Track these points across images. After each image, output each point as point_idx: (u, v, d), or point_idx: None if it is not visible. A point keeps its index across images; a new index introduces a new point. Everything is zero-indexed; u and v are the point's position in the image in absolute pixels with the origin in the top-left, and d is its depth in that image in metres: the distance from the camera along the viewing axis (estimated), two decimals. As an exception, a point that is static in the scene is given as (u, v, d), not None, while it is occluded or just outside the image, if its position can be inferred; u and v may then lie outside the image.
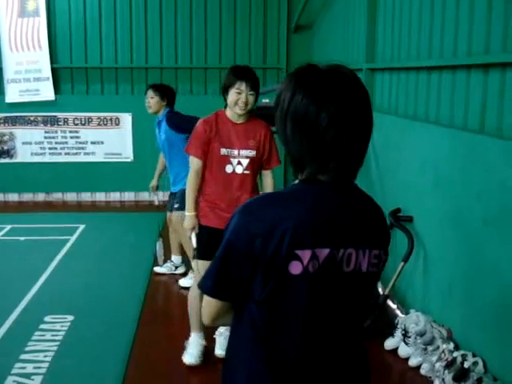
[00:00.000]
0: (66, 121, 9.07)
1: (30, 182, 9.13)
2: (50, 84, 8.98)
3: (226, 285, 1.48)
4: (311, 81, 1.43)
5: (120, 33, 9.08)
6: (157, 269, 5.74)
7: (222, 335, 4.03)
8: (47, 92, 9.00)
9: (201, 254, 3.72)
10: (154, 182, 5.90)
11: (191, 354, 3.92)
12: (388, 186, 5.05)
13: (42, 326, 4.44)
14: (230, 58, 9.19)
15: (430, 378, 3.67)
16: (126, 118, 9.08)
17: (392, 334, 4.10)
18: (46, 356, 3.98)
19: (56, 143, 9.12)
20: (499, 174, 3.29)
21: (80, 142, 9.14)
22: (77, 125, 9.10)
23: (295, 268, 1.40)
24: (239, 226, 1.44)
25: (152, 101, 5.44)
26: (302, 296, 1.43)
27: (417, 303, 4.40)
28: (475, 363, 3.42)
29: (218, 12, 9.12)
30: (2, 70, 8.96)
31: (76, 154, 9.16)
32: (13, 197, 9.25)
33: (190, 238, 3.85)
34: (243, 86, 3.56)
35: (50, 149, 9.13)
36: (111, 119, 9.10)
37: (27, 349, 4.08)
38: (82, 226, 7.39)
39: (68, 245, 6.61)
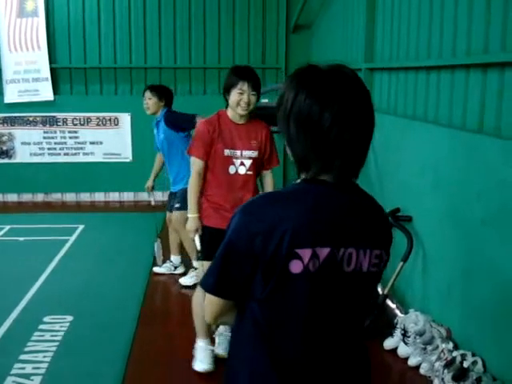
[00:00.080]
0: (64, 121, 9.07)
1: (29, 183, 9.13)
2: (48, 84, 8.97)
3: (227, 283, 1.49)
4: (314, 81, 1.43)
5: (119, 33, 9.07)
6: (156, 269, 5.74)
7: (221, 335, 4.03)
8: (46, 92, 8.99)
9: (205, 255, 3.68)
10: (149, 183, 5.89)
11: (202, 361, 3.84)
12: (387, 186, 5.05)
13: (42, 327, 4.44)
14: (229, 58, 9.19)
15: (430, 377, 3.67)
16: (125, 118, 9.08)
17: (391, 334, 4.10)
18: (45, 356, 3.98)
19: (55, 143, 9.12)
20: (498, 174, 3.29)
21: (79, 143, 9.14)
22: (76, 125, 9.09)
23: (296, 267, 1.40)
24: (240, 225, 1.45)
25: (150, 102, 5.44)
26: (303, 295, 1.43)
27: (416, 303, 4.40)
28: (474, 362, 3.42)
29: (216, 12, 9.12)
30: (1, 70, 8.95)
31: (75, 154, 9.16)
32: (12, 197, 9.25)
33: (194, 240, 3.82)
34: (245, 87, 3.55)
35: (48, 149, 9.13)
36: (110, 119, 9.09)
37: (26, 349, 4.08)
38: (81, 227, 7.39)
39: (67, 245, 6.61)
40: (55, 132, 9.08)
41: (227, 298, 1.52)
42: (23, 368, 3.83)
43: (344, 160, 1.44)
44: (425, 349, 3.83)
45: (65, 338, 4.26)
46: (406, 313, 4.24)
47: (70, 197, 9.30)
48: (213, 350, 3.93)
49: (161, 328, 4.57)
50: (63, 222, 7.65)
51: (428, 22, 4.49)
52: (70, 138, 9.12)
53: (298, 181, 1.51)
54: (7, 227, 7.39)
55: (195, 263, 5.46)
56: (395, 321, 4.16)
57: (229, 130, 3.67)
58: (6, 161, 9.09)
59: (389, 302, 4.35)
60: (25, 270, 5.77)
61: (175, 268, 5.70)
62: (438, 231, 4.10)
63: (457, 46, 4.02)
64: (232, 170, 3.68)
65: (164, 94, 5.50)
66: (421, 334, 3.87)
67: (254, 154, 3.71)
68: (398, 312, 4.31)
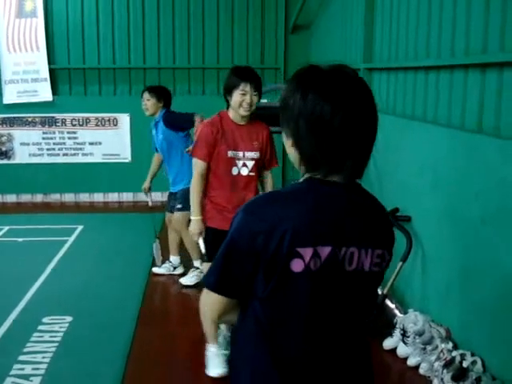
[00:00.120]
0: (63, 122, 9.06)
1: (28, 183, 9.13)
2: (47, 85, 8.97)
3: (229, 281, 1.50)
4: (322, 81, 1.44)
5: (118, 33, 9.07)
6: (155, 269, 5.74)
7: (219, 335, 4.01)
8: (45, 93, 8.99)
9: (210, 256, 3.65)
10: (146, 184, 5.87)
11: (215, 366, 3.75)
12: (386, 186, 5.05)
13: (41, 327, 4.43)
14: (228, 59, 9.20)
15: (429, 377, 3.67)
16: (124, 119, 9.07)
17: (391, 334, 4.09)
18: (44, 357, 3.98)
19: (54, 144, 9.12)
20: (497, 173, 3.29)
21: (78, 143, 9.13)
22: (75, 125, 9.09)
23: (297, 266, 1.41)
24: (242, 224, 1.46)
25: (148, 103, 5.44)
26: (304, 294, 1.44)
27: (415, 303, 4.40)
28: (474, 362, 3.42)
29: (215, 12, 9.12)
30: (0, 71, 8.95)
31: (74, 154, 9.16)
32: (11, 198, 9.24)
33: (198, 242, 3.78)
34: (247, 87, 3.54)
35: (47, 150, 9.13)
36: (109, 120, 9.09)
37: (26, 350, 4.07)
38: (80, 227, 7.39)
39: (66, 246, 6.61)
40: (54, 133, 9.08)
41: (229, 297, 1.53)
42: (22, 369, 3.82)
43: (353, 160, 1.46)
44: (424, 349, 3.83)
45: (64, 339, 4.25)
46: (405, 313, 4.24)
47: (69, 197, 9.29)
48: (225, 354, 3.83)
49: (160, 328, 4.56)
50: (62, 223, 7.65)
51: (427, 22, 4.49)
52: (69, 138, 9.12)
53: (301, 180, 1.52)
54: (6, 228, 7.39)
55: (196, 263, 5.47)
56: (394, 321, 4.16)
57: (231, 131, 3.66)
58: (4, 161, 9.09)
59: (388, 302, 4.35)
60: (24, 270, 5.76)
61: (174, 268, 5.70)
62: (437, 231, 4.10)
63: (455, 46, 4.03)
64: (234, 171, 3.67)
65: (163, 94, 5.51)
66: (420, 333, 3.87)
67: (256, 155, 3.71)
68: (397, 312, 4.31)
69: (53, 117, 9.03)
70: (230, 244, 1.48)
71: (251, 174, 3.71)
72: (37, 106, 8.99)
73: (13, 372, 3.78)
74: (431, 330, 3.89)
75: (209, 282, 1.54)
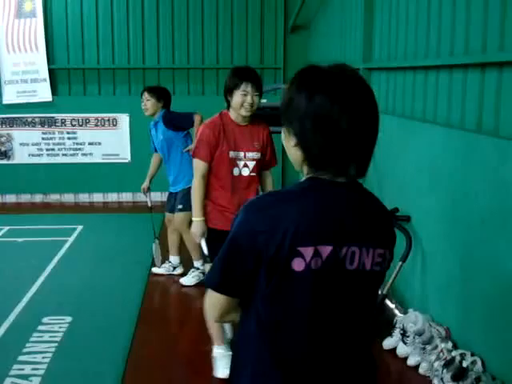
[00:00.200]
0: (63, 122, 9.06)
1: (27, 184, 9.13)
2: (47, 85, 8.98)
3: (231, 280, 1.50)
4: (327, 82, 1.44)
5: (117, 33, 9.08)
6: (155, 269, 5.74)
7: (225, 336, 4.00)
8: (44, 93, 9.00)
9: (213, 257, 3.61)
10: (145, 184, 5.86)
11: (223, 367, 3.69)
12: (385, 186, 5.05)
13: (40, 328, 4.43)
14: (227, 59, 9.20)
15: (429, 377, 3.67)
16: (124, 119, 9.08)
17: (390, 334, 4.10)
18: (44, 357, 3.97)
19: (53, 144, 9.12)
20: (496, 173, 3.29)
21: (77, 143, 9.14)
22: (74, 126, 9.10)
23: (298, 265, 1.41)
24: (243, 223, 1.47)
25: (148, 103, 5.44)
26: (306, 293, 1.44)
27: (415, 303, 4.40)
28: (474, 362, 3.42)
29: (214, 12, 9.12)
30: (-1, 71, 8.96)
31: (73, 154, 9.16)
32: (10, 198, 9.24)
33: (200, 244, 3.74)
34: (249, 88, 3.53)
35: (47, 150, 9.13)
36: (108, 120, 9.09)
37: (25, 350, 4.07)
38: (79, 227, 7.39)
39: (66, 246, 6.61)
40: (54, 133, 9.09)
41: (231, 296, 1.53)
42: (22, 369, 3.82)
43: (357, 159, 1.47)
44: (424, 348, 3.83)
45: (64, 339, 4.25)
46: (405, 313, 4.24)
47: (68, 197, 9.30)
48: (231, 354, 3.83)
49: (160, 328, 4.56)
50: (62, 223, 7.65)
51: (426, 22, 4.49)
52: (69, 138, 9.13)
53: (303, 179, 1.52)
54: (6, 228, 7.39)
55: (196, 263, 5.47)
56: (394, 321, 4.16)
57: (232, 132, 3.65)
58: (4, 162, 9.09)
59: (388, 302, 4.35)
60: (23, 270, 5.76)
61: (174, 268, 5.70)
62: (436, 231, 4.10)
63: (455, 45, 4.02)
64: (236, 171, 3.66)
65: (162, 95, 5.51)
66: (420, 333, 3.87)
67: (257, 155, 3.70)
68: (397, 312, 4.31)
69: (52, 117, 9.04)
70: (231, 243, 1.49)
71: (252, 174, 3.70)
72: (36, 107, 9.00)
73: (12, 372, 3.77)
74: (431, 329, 3.89)
75: (211, 281, 1.55)
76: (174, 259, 5.72)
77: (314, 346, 1.49)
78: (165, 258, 5.76)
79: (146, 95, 5.45)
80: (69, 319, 4.59)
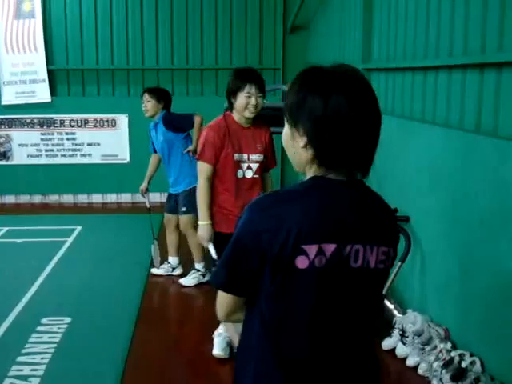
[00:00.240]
0: (62, 122, 9.06)
1: (26, 184, 9.13)
2: (46, 86, 8.97)
3: (237, 279, 1.51)
4: (339, 82, 1.45)
5: (116, 34, 9.07)
6: (154, 270, 5.73)
7: (220, 336, 4.01)
8: (43, 94, 8.99)
9: None
10: (144, 185, 5.86)
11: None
12: (385, 186, 5.05)
13: (39, 328, 4.43)
14: (227, 59, 9.20)
15: (428, 377, 3.67)
16: (123, 120, 9.07)
17: (389, 334, 4.10)
18: (43, 358, 3.97)
19: (52, 145, 9.12)
20: (495, 174, 3.29)
21: (76, 144, 9.13)
22: (73, 126, 9.09)
23: (302, 262, 1.42)
24: (247, 222, 1.48)
25: (149, 104, 5.43)
26: (310, 291, 1.45)
27: (414, 303, 4.40)
28: (473, 362, 3.42)
29: (214, 13, 9.12)
30: (-2, 71, 8.96)
31: (72, 155, 9.16)
32: (9, 199, 9.24)
33: (208, 248, 3.70)
34: (252, 89, 3.52)
35: (46, 151, 9.13)
36: (107, 121, 9.09)
37: (24, 351, 4.06)
38: (78, 228, 7.39)
39: (65, 247, 6.60)
40: (52, 133, 9.08)
41: (237, 295, 1.54)
42: (21, 370, 3.81)
43: (367, 158, 1.50)
44: (423, 349, 3.83)
45: (63, 340, 4.25)
46: (404, 313, 4.24)
47: (67, 198, 9.29)
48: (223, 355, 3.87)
49: (159, 328, 4.56)
50: (61, 224, 7.65)
51: (425, 23, 4.49)
52: (68, 139, 9.12)
53: (306, 178, 1.53)
54: (5, 229, 7.38)
55: (197, 265, 5.47)
56: (393, 321, 4.16)
57: (236, 134, 3.63)
58: (3, 162, 9.08)
59: (387, 303, 4.35)
60: (23, 271, 5.76)
61: (173, 269, 5.70)
62: (435, 231, 4.10)
63: (454, 46, 4.03)
64: (239, 174, 3.65)
65: (162, 96, 5.50)
66: (419, 334, 3.87)
67: (260, 157, 3.70)
68: (396, 312, 4.31)
69: (51, 118, 9.03)
70: (236, 243, 1.50)
71: (255, 176, 3.69)
72: (35, 107, 8.99)
73: (11, 373, 3.77)
74: (430, 330, 3.89)
75: (217, 280, 1.56)
76: (173, 260, 5.71)
77: (317, 346, 1.49)
78: (164, 259, 5.75)
79: (146, 96, 5.45)
80: (68, 320, 4.59)
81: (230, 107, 3.65)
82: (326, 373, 1.51)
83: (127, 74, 9.22)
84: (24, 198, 9.25)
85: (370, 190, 1.57)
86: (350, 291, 1.49)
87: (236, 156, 3.62)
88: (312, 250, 1.42)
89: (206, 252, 3.78)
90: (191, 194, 5.05)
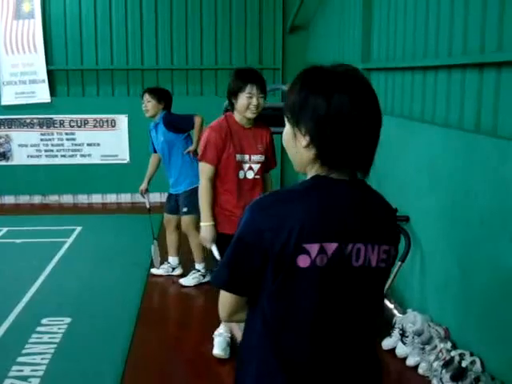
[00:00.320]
0: (61, 123, 9.06)
1: (26, 185, 9.13)
2: (45, 86, 8.97)
3: (239, 278, 1.51)
4: (342, 82, 1.46)
5: (115, 34, 9.07)
6: (154, 270, 5.73)
7: (220, 336, 4.01)
8: (43, 94, 8.99)
9: None
10: (144, 185, 5.85)
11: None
12: (384, 186, 5.04)
13: (39, 329, 4.42)
14: (226, 59, 9.20)
15: (428, 377, 3.67)
16: (122, 120, 9.07)
17: (390, 334, 4.10)
18: (43, 359, 3.97)
19: (52, 145, 9.12)
20: (495, 173, 3.29)
21: (76, 144, 9.13)
22: (73, 127, 9.09)
23: (303, 261, 1.42)
24: (249, 222, 1.48)
25: (149, 104, 5.43)
26: (311, 290, 1.45)
27: (414, 303, 4.40)
28: (473, 362, 3.42)
29: (213, 13, 9.12)
30: (-2, 72, 8.96)
31: (72, 156, 9.16)
32: (9, 199, 9.24)
33: (211, 249, 3.67)
34: (254, 90, 3.51)
35: (46, 151, 9.13)
36: (107, 121, 9.09)
37: (24, 351, 4.06)
38: (78, 228, 7.38)
39: (65, 247, 6.60)
40: (52, 134, 9.08)
41: (240, 294, 1.54)
42: (21, 370, 3.81)
43: (369, 158, 1.51)
44: (423, 349, 3.83)
45: (63, 340, 4.25)
46: (404, 313, 4.24)
47: (67, 198, 9.29)
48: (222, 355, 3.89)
49: (159, 329, 4.56)
50: (60, 224, 7.65)
51: (424, 22, 4.49)
52: (67, 139, 9.12)
53: (308, 178, 1.53)
54: (4, 229, 7.38)
55: (198, 266, 5.47)
56: (393, 321, 4.16)
57: (237, 135, 3.63)
58: (3, 163, 9.08)
59: (387, 302, 4.35)
60: (22, 272, 5.76)
61: (173, 269, 5.70)
62: (435, 231, 4.10)
63: (453, 45, 4.03)
64: (241, 174, 3.64)
65: (163, 96, 5.49)
66: (419, 333, 3.88)
67: (262, 158, 3.70)
68: (396, 312, 4.31)
69: (51, 118, 9.03)
70: (238, 242, 1.50)
71: (257, 177, 3.69)
72: (35, 108, 8.99)
73: (11, 373, 3.77)
74: (430, 329, 3.89)
75: (219, 280, 1.56)
76: (173, 260, 5.71)
77: (318, 346, 1.49)
78: (164, 259, 5.75)
79: (146, 96, 5.44)
80: (68, 320, 4.59)
81: (232, 108, 3.64)
82: (328, 373, 1.51)
83: (127, 74, 9.22)
84: (24, 199, 9.25)
85: (371, 189, 1.58)
86: (352, 290, 1.49)
87: (238, 157, 3.62)
88: (314, 248, 1.42)
89: (208, 253, 3.76)
90: (192, 194, 5.05)
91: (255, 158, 3.67)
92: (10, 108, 8.97)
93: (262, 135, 3.73)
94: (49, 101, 9.00)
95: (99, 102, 9.14)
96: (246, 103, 3.53)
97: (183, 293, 5.34)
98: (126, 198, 9.26)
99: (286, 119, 1.55)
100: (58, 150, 9.13)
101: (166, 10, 9.06)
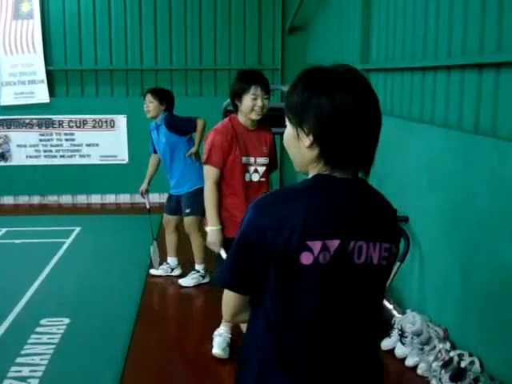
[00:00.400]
0: (60, 123, 9.06)
1: (25, 185, 9.12)
2: (44, 86, 8.97)
3: (242, 277, 1.52)
4: (343, 82, 1.47)
5: (114, 35, 9.07)
6: (153, 271, 5.73)
7: (220, 336, 4.00)
8: (42, 94, 8.99)
9: None
10: (144, 186, 5.84)
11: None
12: (384, 186, 5.04)
13: (38, 329, 4.42)
14: (225, 60, 9.21)
15: (427, 377, 3.67)
16: (121, 120, 9.07)
17: (389, 335, 4.10)
18: (42, 359, 3.96)
19: (51, 146, 9.11)
20: (494, 173, 3.30)
21: (75, 145, 9.13)
22: (72, 127, 9.09)
23: (306, 258, 1.43)
24: (252, 221, 1.49)
25: (151, 105, 5.41)
26: (314, 288, 1.45)
27: (413, 303, 4.40)
28: (472, 362, 3.42)
29: (212, 13, 9.13)
30: (-3, 72, 8.95)
31: (71, 156, 9.16)
32: (8, 200, 9.23)
33: (220, 253, 3.61)
34: (258, 91, 3.49)
35: (45, 151, 9.12)
36: (106, 121, 9.09)
37: (23, 352, 4.06)
38: (77, 229, 7.38)
39: (64, 247, 6.60)
40: (51, 134, 9.07)
41: (243, 293, 1.55)
42: (20, 371, 3.81)
43: (370, 157, 1.52)
44: (422, 349, 3.83)
45: (62, 341, 4.24)
46: (403, 313, 4.24)
47: (66, 199, 9.29)
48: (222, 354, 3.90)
49: (158, 329, 4.56)
50: (59, 225, 7.64)
51: (423, 23, 4.50)
52: (66, 140, 9.12)
53: (310, 176, 1.54)
54: (3, 230, 7.38)
55: (198, 267, 5.46)
56: (392, 321, 4.16)
57: (242, 137, 3.60)
58: (1, 163, 9.08)
59: (386, 303, 4.35)
60: (21, 272, 5.75)
61: (172, 270, 5.69)
62: (434, 232, 4.10)
63: (452, 46, 4.03)
64: (246, 177, 3.62)
65: (165, 97, 5.48)
66: (418, 334, 3.88)
67: (266, 160, 3.68)
68: (395, 312, 4.31)
69: (50, 118, 9.03)
70: (241, 241, 1.50)
71: (262, 179, 3.67)
72: (34, 108, 8.99)
73: (10, 374, 3.76)
74: (429, 330, 3.89)
75: (223, 280, 1.56)
76: (172, 260, 5.71)
77: (320, 345, 1.49)
78: (163, 260, 5.75)
79: (149, 97, 5.43)
80: (67, 321, 4.58)
81: (235, 110, 3.62)
82: (329, 372, 1.51)
83: (126, 74, 9.22)
84: (23, 199, 9.25)
85: (372, 188, 1.59)
86: (354, 288, 1.50)
87: (244, 159, 3.59)
88: (316, 246, 1.43)
89: (215, 256, 3.74)
90: (195, 195, 5.05)
91: (260, 160, 3.65)
92: (8, 108, 8.96)
93: (266, 137, 3.71)
94: (48, 101, 9.00)
95: (98, 103, 9.14)
96: (251, 105, 3.50)
97: (182, 293, 5.34)
98: (125, 198, 9.26)
99: (287, 120, 1.55)
100: (57, 151, 9.13)
101: (165, 11, 9.06)
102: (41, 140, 9.08)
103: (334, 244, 1.45)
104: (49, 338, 4.28)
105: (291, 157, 1.58)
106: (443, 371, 3.47)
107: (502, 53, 3.39)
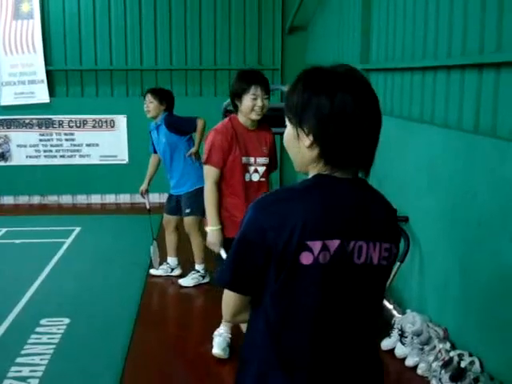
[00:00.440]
0: (60, 123, 9.06)
1: (25, 185, 9.12)
2: (44, 86, 8.97)
3: (243, 277, 1.52)
4: (344, 82, 1.47)
5: (114, 35, 9.07)
6: (153, 271, 5.73)
7: (220, 336, 4.01)
8: (42, 94, 8.99)
9: None
10: (144, 186, 5.84)
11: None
12: (384, 187, 5.04)
13: (38, 329, 4.42)
14: (225, 60, 9.21)
15: (427, 377, 3.67)
16: (121, 120, 9.07)
17: (389, 335, 4.10)
18: (42, 359, 3.96)
19: (51, 146, 9.11)
20: (494, 173, 3.30)
21: (75, 145, 9.13)
22: (72, 127, 9.09)
23: (306, 258, 1.43)
24: (252, 220, 1.49)
25: (151, 105, 5.41)
26: (314, 288, 1.45)
27: (413, 303, 4.40)
28: (472, 362, 3.42)
29: (212, 13, 9.13)
30: (-3, 72, 8.95)
31: (71, 156, 9.16)
32: (8, 200, 9.23)
33: (220, 253, 3.61)
34: (258, 91, 3.49)
35: (44, 151, 9.12)
36: (106, 121, 9.09)
37: (23, 352, 4.06)
38: (77, 229, 7.38)
39: (64, 247, 6.60)
40: (51, 134, 9.07)
41: (243, 293, 1.55)
42: (20, 371, 3.81)
43: (370, 157, 1.53)
44: (422, 349, 3.83)
45: (62, 341, 4.24)
46: (403, 313, 4.25)
47: (66, 199, 9.29)
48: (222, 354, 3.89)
49: (158, 329, 4.56)
50: (59, 225, 7.64)
51: (423, 23, 4.50)
52: (66, 140, 9.12)
53: (310, 176, 1.54)
54: (3, 230, 7.38)
55: (198, 267, 5.46)
56: (392, 321, 4.16)
57: (242, 137, 3.60)
58: (1, 163, 9.08)
59: (386, 303, 4.35)
60: (21, 272, 5.75)
61: (172, 270, 5.69)
62: (434, 232, 4.10)
63: (452, 46, 4.03)
64: (246, 177, 3.62)
65: (165, 97, 5.48)
66: (418, 334, 3.88)
67: (266, 160, 3.68)
68: (395, 312, 4.31)
69: (50, 118, 9.03)
70: (241, 241, 1.50)
71: (262, 179, 3.67)
72: (34, 108, 8.99)
73: (10, 374, 3.76)
74: (429, 330, 3.89)
75: (223, 280, 1.56)
76: (172, 260, 5.71)
77: (320, 345, 1.49)
78: (163, 260, 5.75)
79: (149, 97, 5.43)
80: (67, 321, 4.58)
81: (235, 110, 3.62)
82: (329, 372, 1.51)
83: (126, 74, 9.22)
84: (23, 199, 9.25)
85: (372, 188, 1.59)
86: (354, 288, 1.50)
87: (244, 159, 3.59)
88: (316, 246, 1.43)
89: (215, 256, 3.74)
90: (195, 195, 5.06)
91: (260, 160, 3.64)
92: (8, 108, 8.96)
93: (266, 137, 3.71)
94: (48, 101, 9.00)
95: (98, 103, 9.14)
96: (251, 105, 3.50)
97: (182, 293, 5.34)
98: (125, 198, 9.25)
99: (287, 120, 1.55)
100: (56, 151, 9.13)
101: (165, 11, 9.06)
102: (41, 140, 9.08)
103: (334, 244, 1.45)
104: (49, 338, 4.28)
105: (291, 157, 1.58)
106: (443, 371, 3.47)
107: (502, 53, 3.39)
